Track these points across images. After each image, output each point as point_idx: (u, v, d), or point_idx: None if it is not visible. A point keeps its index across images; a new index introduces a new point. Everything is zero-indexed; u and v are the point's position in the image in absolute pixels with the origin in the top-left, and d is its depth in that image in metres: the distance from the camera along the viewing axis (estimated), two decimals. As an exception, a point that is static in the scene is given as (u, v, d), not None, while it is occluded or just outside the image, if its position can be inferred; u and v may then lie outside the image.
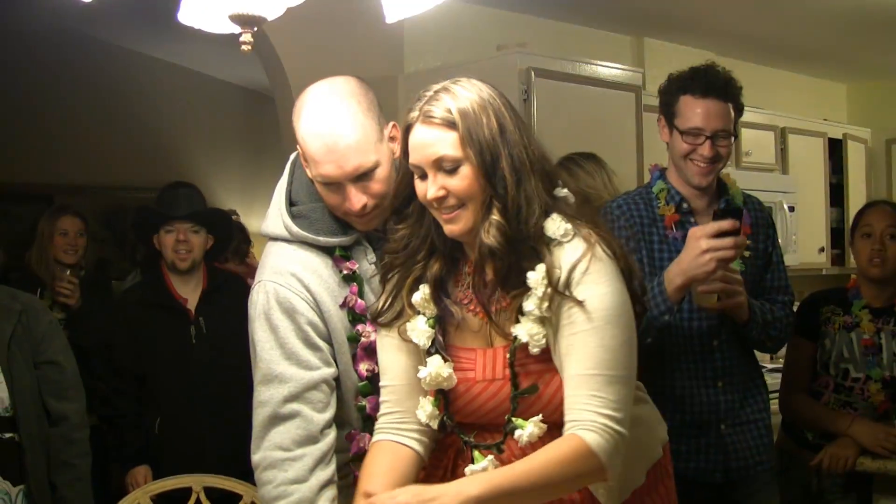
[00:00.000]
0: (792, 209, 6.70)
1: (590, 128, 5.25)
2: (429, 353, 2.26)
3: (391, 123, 2.49)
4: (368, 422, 2.46)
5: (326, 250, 2.51)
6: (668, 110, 3.32)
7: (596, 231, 2.16)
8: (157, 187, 5.62)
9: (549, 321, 2.14)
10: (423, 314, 2.26)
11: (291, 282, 2.46)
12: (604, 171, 4.16)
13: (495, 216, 2.11)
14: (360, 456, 2.45)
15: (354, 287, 2.48)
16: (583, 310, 2.08)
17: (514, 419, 2.18)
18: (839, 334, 3.90)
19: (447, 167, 2.13)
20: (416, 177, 2.20)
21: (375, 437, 2.35)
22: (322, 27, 5.16)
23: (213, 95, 8.48)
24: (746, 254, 3.29)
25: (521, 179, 2.13)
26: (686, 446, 3.25)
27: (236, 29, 2.31)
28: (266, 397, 2.41)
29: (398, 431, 2.32)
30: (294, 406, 2.39)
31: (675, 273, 3.02)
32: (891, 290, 3.94)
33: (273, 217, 2.57)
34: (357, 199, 2.40)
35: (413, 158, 2.18)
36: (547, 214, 2.15)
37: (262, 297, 2.47)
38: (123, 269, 6.84)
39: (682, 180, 3.31)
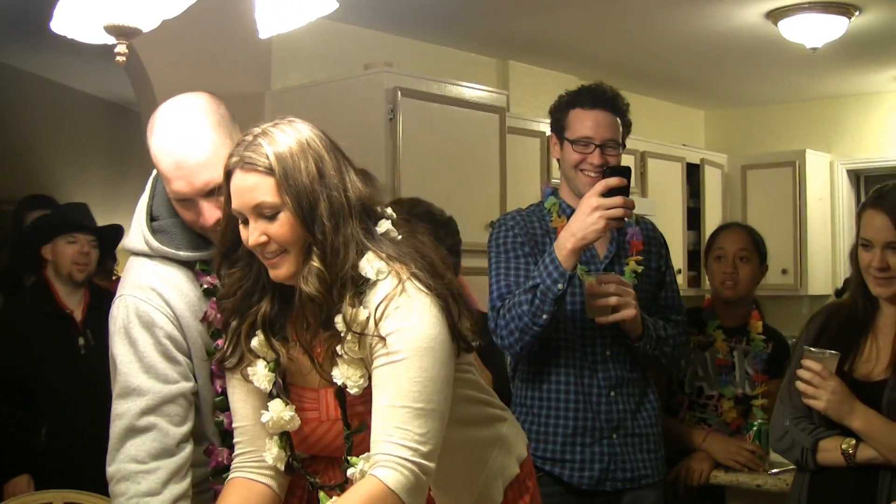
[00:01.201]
0: (651, 231, 6.81)
1: (455, 148, 5.31)
2: (270, 396, 2.26)
3: None
4: (227, 436, 2.44)
5: (187, 264, 2.49)
6: (558, 125, 3.39)
7: (412, 266, 2.13)
8: (14, 200, 5.53)
9: (366, 361, 2.12)
10: (263, 358, 2.25)
11: (151, 296, 2.44)
12: None
13: (315, 263, 2.10)
14: (219, 470, 2.44)
15: (214, 301, 2.46)
16: (392, 344, 2.06)
17: (349, 458, 2.18)
18: (694, 353, 3.98)
19: (266, 213, 2.11)
20: (239, 222, 2.17)
21: (231, 475, 2.35)
22: (190, 42, 5.12)
23: (75, 108, 8.31)
24: (639, 269, 3.35)
25: (339, 224, 2.11)
26: (580, 455, 3.30)
27: (109, 40, 2.28)
28: (123, 410, 2.38)
29: (252, 470, 2.32)
30: (150, 419, 2.36)
31: (566, 237, 3.05)
32: (743, 311, 4.04)
33: (134, 232, 2.55)
34: (210, 214, 2.38)
35: (234, 204, 2.15)
36: (361, 255, 2.13)
37: (122, 311, 2.44)
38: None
39: (574, 194, 3.36)
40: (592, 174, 3.27)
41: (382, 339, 2.06)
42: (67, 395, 4.36)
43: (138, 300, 2.43)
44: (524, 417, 3.38)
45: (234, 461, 2.35)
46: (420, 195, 4.98)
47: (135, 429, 2.36)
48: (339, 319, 2.10)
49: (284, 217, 2.10)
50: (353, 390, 2.13)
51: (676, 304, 3.52)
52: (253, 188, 2.11)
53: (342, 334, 2.10)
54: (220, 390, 2.45)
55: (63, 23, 2.34)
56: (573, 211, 3.23)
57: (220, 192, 2.31)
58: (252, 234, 2.13)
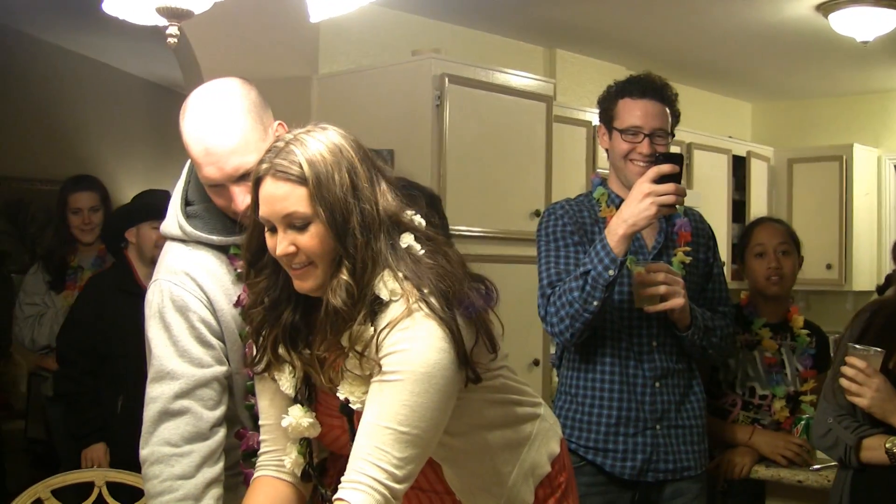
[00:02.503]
0: (695, 224, 6.78)
1: (501, 135, 5.29)
2: (295, 401, 2.25)
3: (277, 122, 2.49)
4: (258, 420, 2.45)
5: (221, 249, 2.52)
6: (606, 115, 3.39)
7: (426, 289, 2.07)
8: (59, 180, 5.57)
9: (371, 377, 2.08)
10: (290, 363, 2.24)
11: (185, 281, 2.46)
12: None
13: (344, 276, 2.05)
14: (250, 454, 2.46)
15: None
16: (389, 364, 2.02)
17: None
18: (742, 353, 3.93)
19: (297, 223, 2.06)
20: (266, 229, 2.13)
21: (256, 473, 2.35)
22: (238, 25, 5.14)
23: (122, 89, 8.37)
24: (687, 260, 3.35)
25: (370, 238, 2.07)
26: (622, 445, 3.29)
27: (161, 21, 2.30)
28: (157, 393, 2.41)
29: (277, 469, 2.33)
30: (184, 402, 2.39)
31: (617, 223, 3.05)
32: (784, 305, 4.01)
33: (170, 218, 2.58)
34: (242, 199, 2.38)
35: (262, 212, 2.10)
36: (381, 272, 2.08)
37: (157, 296, 2.48)
38: (23, 262, 6.74)
39: (622, 184, 3.37)
40: (641, 164, 3.27)
41: (381, 359, 2.03)
42: (142, 368, 4.45)
43: (172, 284, 2.46)
44: (568, 405, 3.39)
45: (259, 458, 2.36)
46: (465, 182, 5.01)
47: (169, 412, 2.39)
48: (345, 335, 2.08)
49: (315, 228, 2.06)
50: (356, 406, 2.11)
51: (724, 296, 3.51)
52: (284, 197, 2.06)
53: (346, 350, 2.08)
54: (251, 374, 2.46)
55: (115, 4, 2.35)
56: (621, 201, 3.26)
57: (250, 177, 2.29)
58: (280, 244, 2.08)
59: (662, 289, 3.16)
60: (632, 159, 3.31)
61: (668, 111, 3.35)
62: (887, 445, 2.94)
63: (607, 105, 3.40)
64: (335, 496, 2.02)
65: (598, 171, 6.13)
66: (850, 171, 8.25)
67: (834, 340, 3.51)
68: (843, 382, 2.95)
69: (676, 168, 3.00)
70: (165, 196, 4.77)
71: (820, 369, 3.90)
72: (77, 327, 4.74)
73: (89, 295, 4.82)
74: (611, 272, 3.05)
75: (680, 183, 3.02)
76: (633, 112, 3.31)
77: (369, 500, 1.98)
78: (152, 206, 4.67)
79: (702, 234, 3.50)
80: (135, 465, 3.81)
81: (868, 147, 8.55)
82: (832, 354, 3.47)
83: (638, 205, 3.00)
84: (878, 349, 2.95)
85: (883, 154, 8.68)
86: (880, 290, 4.75)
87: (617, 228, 3.04)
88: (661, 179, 2.99)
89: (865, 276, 8.35)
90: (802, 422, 3.74)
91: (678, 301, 3.17)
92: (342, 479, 2.03)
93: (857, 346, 2.98)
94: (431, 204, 3.74)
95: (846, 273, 8.21)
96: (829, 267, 8.10)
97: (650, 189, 2.98)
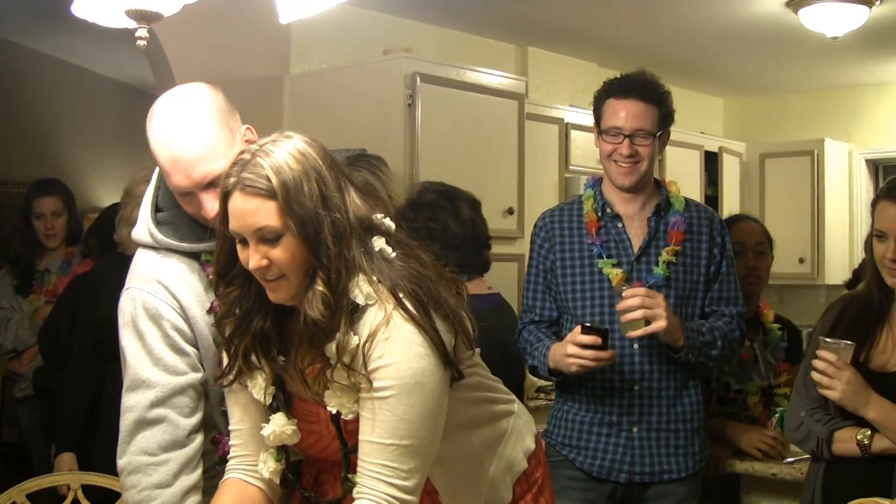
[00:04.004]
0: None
1: (473, 134, 5.30)
2: (272, 409, 2.24)
3: (245, 126, 2.48)
4: None
5: (193, 255, 2.51)
6: (596, 115, 3.41)
7: (400, 293, 2.07)
8: (30, 182, 5.54)
9: (357, 386, 2.08)
10: (262, 371, 2.23)
11: (157, 289, 2.45)
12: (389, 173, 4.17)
13: (320, 287, 2.04)
14: (226, 459, 2.44)
15: None
16: (378, 379, 2.03)
17: (349, 476, 2.16)
18: None
19: (269, 237, 2.04)
20: (237, 241, 2.10)
21: (226, 476, 2.35)
22: (209, 26, 5.12)
23: (92, 91, 8.32)
24: (674, 260, 3.33)
25: (343, 247, 2.06)
26: (593, 443, 3.32)
27: (130, 24, 2.29)
28: (132, 402, 2.40)
29: (246, 472, 2.32)
30: (160, 411, 2.38)
31: (550, 357, 3.26)
32: (755, 302, 4.01)
33: (140, 225, 2.56)
34: (211, 206, 2.36)
35: (233, 226, 2.08)
36: (355, 277, 2.08)
37: (130, 304, 2.47)
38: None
39: (610, 185, 3.39)
40: (623, 164, 3.30)
41: (370, 374, 2.03)
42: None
43: (144, 293, 2.45)
44: (554, 401, 3.49)
45: (229, 462, 2.36)
46: (438, 181, 5.01)
47: (145, 421, 2.38)
48: (330, 347, 2.06)
49: (287, 241, 2.04)
50: (347, 416, 2.11)
51: (732, 296, 3.44)
52: (254, 212, 2.03)
53: (332, 362, 2.07)
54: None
55: (84, 6, 2.35)
56: (605, 203, 3.35)
57: (219, 183, 2.26)
58: (253, 257, 2.06)
59: (639, 313, 3.13)
60: (614, 160, 3.32)
61: (654, 110, 3.33)
62: (858, 437, 2.96)
63: (597, 105, 3.42)
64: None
65: (578, 170, 6.19)
66: (821, 166, 8.29)
67: (807, 334, 3.53)
68: (814, 375, 2.97)
69: (598, 341, 3.10)
70: None
71: (793, 362, 3.93)
72: (67, 326, 4.68)
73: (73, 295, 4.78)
74: (551, 379, 3.33)
75: (606, 349, 3.12)
76: (616, 112, 3.32)
77: None
78: None
79: (705, 229, 3.43)
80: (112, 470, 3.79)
81: (839, 142, 8.59)
82: (805, 348, 3.48)
83: (564, 357, 3.16)
84: (849, 342, 2.96)
85: (854, 148, 8.73)
86: (849, 285, 4.79)
87: (549, 360, 3.27)
88: (585, 345, 3.11)
89: (838, 270, 8.38)
90: (777, 414, 3.76)
91: (659, 325, 3.13)
92: (357, 483, 2.06)
93: (828, 339, 2.99)
94: (472, 206, 3.79)
95: (818, 267, 8.24)
96: (801, 261, 8.14)
97: (573, 351, 3.12)
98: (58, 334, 4.66)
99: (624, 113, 3.31)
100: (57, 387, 4.58)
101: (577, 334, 3.11)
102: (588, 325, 3.14)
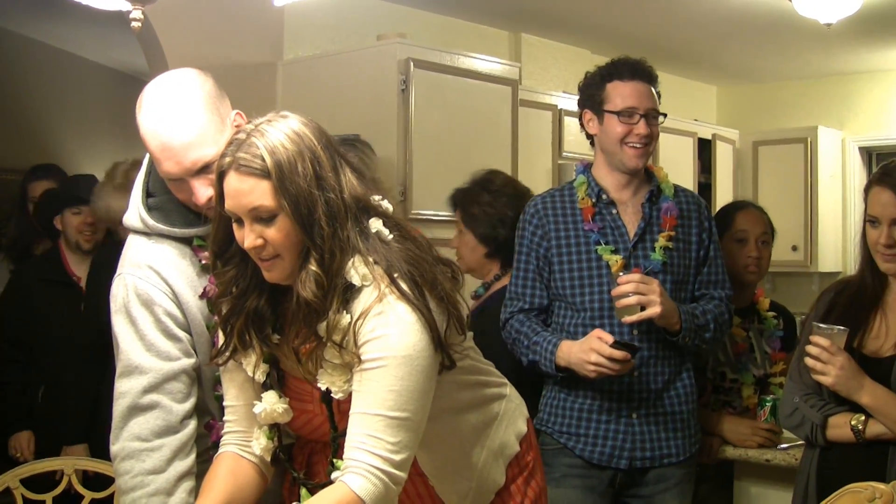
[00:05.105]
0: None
1: (467, 120, 5.30)
2: (265, 387, 2.25)
3: (235, 112, 2.47)
4: None
5: (185, 241, 2.50)
6: (594, 101, 3.38)
7: (396, 273, 2.09)
8: (23, 169, 5.54)
9: (349, 365, 2.10)
10: (255, 349, 2.24)
11: (149, 274, 2.45)
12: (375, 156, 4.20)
13: (312, 266, 2.06)
14: (219, 444, 2.45)
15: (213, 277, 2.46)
16: (370, 351, 2.04)
17: (334, 460, 2.16)
18: None
19: (263, 216, 2.06)
20: (233, 220, 2.12)
21: (220, 450, 2.36)
22: (202, 11, 5.11)
23: (84, 77, 8.29)
24: (670, 245, 3.34)
25: (337, 227, 2.07)
26: (593, 431, 3.32)
27: (124, 6, 2.28)
28: (125, 388, 2.40)
29: (240, 447, 2.34)
30: (153, 397, 2.38)
31: (561, 356, 3.21)
32: (751, 290, 4.00)
33: (131, 210, 2.56)
34: (202, 192, 2.37)
35: (228, 205, 2.09)
36: (351, 258, 2.09)
37: (122, 290, 2.46)
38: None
39: (610, 170, 3.38)
40: (638, 145, 3.30)
41: (360, 347, 2.05)
42: (66, 358, 4.49)
43: (136, 279, 2.45)
44: (544, 390, 3.45)
45: (223, 437, 2.37)
46: (431, 167, 5.01)
47: (138, 407, 2.38)
48: (322, 325, 2.08)
49: (281, 221, 2.06)
50: (337, 395, 2.13)
51: (720, 279, 3.48)
52: (249, 192, 2.05)
53: (324, 340, 2.08)
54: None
55: (78, -11, 2.34)
56: (600, 190, 3.33)
57: (210, 170, 2.28)
58: (248, 237, 2.08)
59: (634, 299, 3.14)
60: (627, 142, 3.31)
61: (655, 92, 3.38)
62: (852, 423, 2.96)
63: (593, 90, 3.38)
64: (337, 478, 2.04)
65: (570, 155, 6.17)
66: (814, 154, 8.30)
67: (801, 321, 3.52)
68: (808, 361, 2.97)
69: (628, 356, 3.10)
70: (89, 181, 4.80)
71: (788, 350, 3.90)
72: (2, 317, 4.80)
73: (14, 284, 4.93)
74: (556, 375, 3.28)
75: (630, 362, 3.13)
76: (628, 94, 3.31)
77: (368, 485, 2.01)
78: (72, 192, 4.78)
79: (694, 214, 3.46)
80: (57, 452, 3.82)
81: (833, 129, 8.60)
82: (798, 334, 3.48)
83: (584, 362, 3.13)
84: (842, 328, 2.97)
85: (847, 136, 8.74)
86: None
87: (559, 360, 3.23)
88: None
89: (831, 257, 8.42)
90: (768, 404, 3.74)
91: (654, 310, 3.14)
92: (344, 458, 2.05)
93: (822, 325, 2.99)
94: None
95: (812, 255, 8.26)
96: (794, 249, 8.15)
97: (598, 360, 3.10)
98: (5, 325, 4.78)
99: (634, 92, 3.31)
100: (9, 379, 4.67)
101: (605, 346, 3.09)
102: (619, 340, 3.14)
